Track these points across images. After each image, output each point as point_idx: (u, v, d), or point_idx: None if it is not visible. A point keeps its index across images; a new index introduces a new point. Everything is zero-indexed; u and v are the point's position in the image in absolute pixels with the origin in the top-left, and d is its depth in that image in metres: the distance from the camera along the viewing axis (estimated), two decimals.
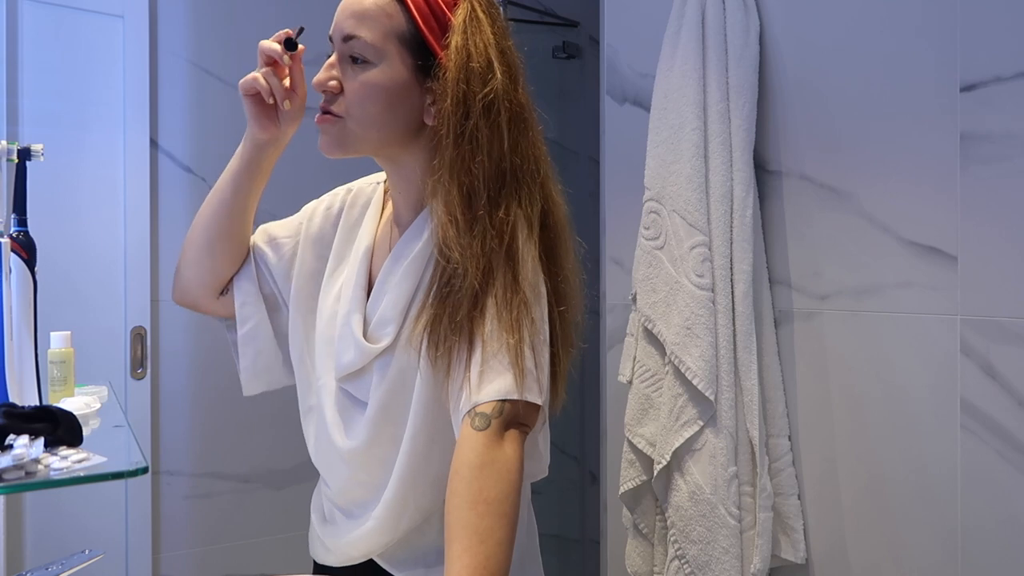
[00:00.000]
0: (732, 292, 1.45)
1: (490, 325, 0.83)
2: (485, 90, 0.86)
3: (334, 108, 0.90)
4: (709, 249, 1.46)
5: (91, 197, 2.01)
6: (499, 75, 0.87)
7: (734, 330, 1.45)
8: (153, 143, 2.11)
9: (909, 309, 1.30)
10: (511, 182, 0.87)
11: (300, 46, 0.93)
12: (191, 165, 2.17)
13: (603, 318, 1.93)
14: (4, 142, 1.12)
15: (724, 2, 1.50)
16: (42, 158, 1.13)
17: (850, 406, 1.39)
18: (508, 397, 0.80)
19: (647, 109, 1.66)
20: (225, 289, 1.03)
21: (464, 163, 0.86)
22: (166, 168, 2.14)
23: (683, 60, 1.51)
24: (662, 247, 1.53)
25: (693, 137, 1.48)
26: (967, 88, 1.23)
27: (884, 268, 1.34)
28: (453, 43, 0.86)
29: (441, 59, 0.87)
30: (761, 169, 1.52)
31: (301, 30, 0.95)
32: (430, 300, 0.87)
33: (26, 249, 1.07)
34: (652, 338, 1.55)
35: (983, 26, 1.21)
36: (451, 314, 0.85)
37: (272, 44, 0.93)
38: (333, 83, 0.90)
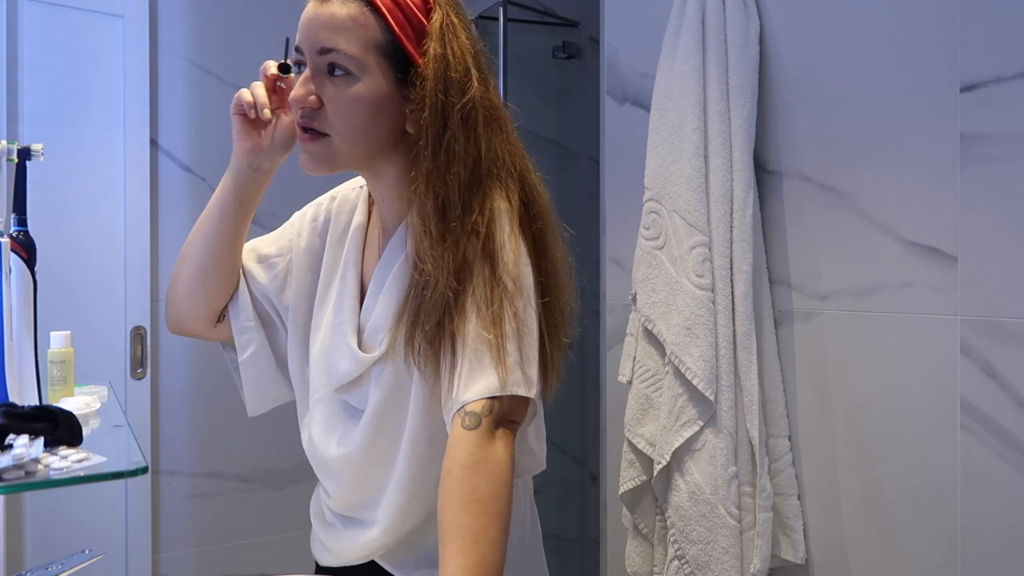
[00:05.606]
0: (732, 292, 1.45)
1: (471, 323, 0.82)
2: (464, 100, 0.84)
3: (316, 124, 0.87)
4: (709, 249, 1.46)
5: (91, 197, 2.01)
6: (476, 82, 0.85)
7: (734, 330, 1.45)
8: (153, 143, 2.11)
9: (909, 309, 1.30)
10: (485, 184, 0.86)
11: (292, 75, 0.91)
12: (191, 165, 2.17)
13: (603, 318, 1.93)
14: (4, 142, 1.13)
15: (724, 2, 1.50)
16: (42, 158, 1.13)
17: (850, 406, 1.39)
18: (495, 394, 0.80)
19: (647, 109, 1.66)
20: (221, 316, 1.01)
21: (440, 174, 0.84)
22: (166, 168, 2.15)
23: (683, 60, 1.51)
24: (662, 247, 1.53)
25: (693, 137, 1.48)
26: (967, 88, 1.23)
27: (884, 268, 1.34)
28: (431, 51, 0.84)
29: (420, 67, 0.85)
30: (761, 169, 1.52)
31: (287, 41, 0.92)
32: (407, 310, 0.86)
33: (26, 249, 1.07)
34: (652, 338, 1.55)
35: (983, 26, 1.21)
36: (427, 322, 0.84)
37: (268, 63, 0.93)
38: (313, 98, 0.86)
